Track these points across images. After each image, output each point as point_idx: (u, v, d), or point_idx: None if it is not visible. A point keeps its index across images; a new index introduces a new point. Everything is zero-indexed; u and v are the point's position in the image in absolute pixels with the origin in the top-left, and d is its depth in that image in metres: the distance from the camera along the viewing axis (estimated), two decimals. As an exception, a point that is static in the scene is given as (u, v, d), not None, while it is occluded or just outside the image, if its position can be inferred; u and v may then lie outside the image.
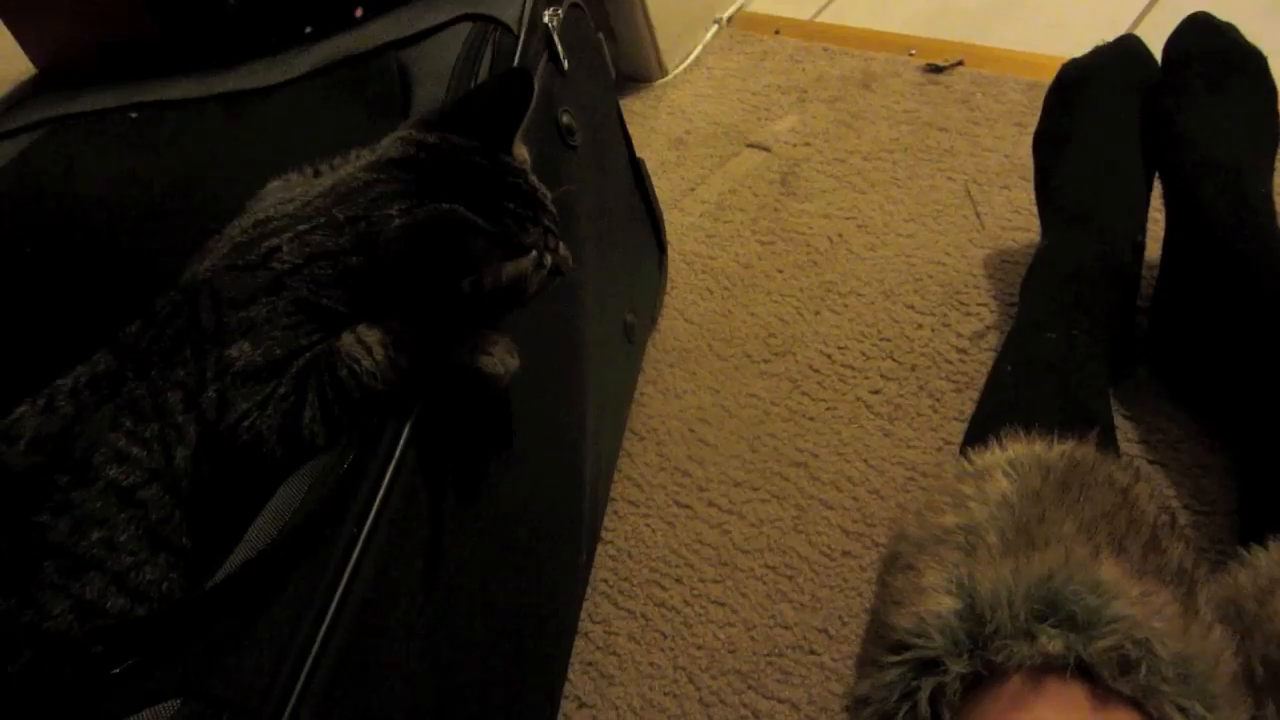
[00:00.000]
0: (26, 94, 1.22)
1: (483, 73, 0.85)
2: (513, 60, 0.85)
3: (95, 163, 0.98)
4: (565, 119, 0.92)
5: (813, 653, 0.83)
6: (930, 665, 0.54)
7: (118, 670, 0.57)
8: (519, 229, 0.65)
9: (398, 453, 0.64)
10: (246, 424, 0.61)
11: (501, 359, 0.66)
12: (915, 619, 0.56)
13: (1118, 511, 0.60)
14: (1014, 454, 0.65)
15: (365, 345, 0.62)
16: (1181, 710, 0.51)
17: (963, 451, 0.70)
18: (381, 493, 0.62)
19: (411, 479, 0.64)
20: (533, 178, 0.68)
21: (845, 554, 0.89)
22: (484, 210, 0.62)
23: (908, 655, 0.55)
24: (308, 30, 1.05)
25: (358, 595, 0.58)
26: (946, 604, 0.56)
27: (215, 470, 0.62)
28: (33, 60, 1.32)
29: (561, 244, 0.70)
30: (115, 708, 0.53)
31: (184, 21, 1.13)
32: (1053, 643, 0.52)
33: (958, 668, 0.53)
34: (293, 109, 0.95)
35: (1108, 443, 0.70)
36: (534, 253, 0.65)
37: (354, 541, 0.60)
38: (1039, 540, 0.57)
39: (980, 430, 0.75)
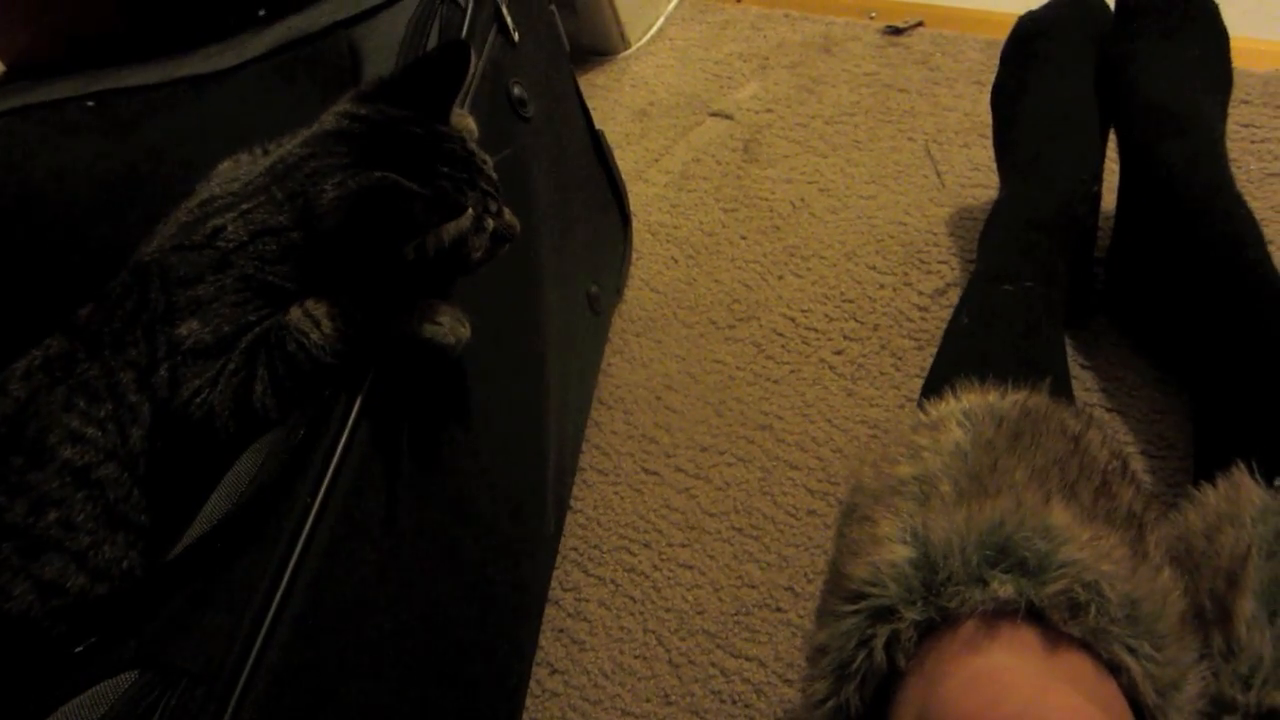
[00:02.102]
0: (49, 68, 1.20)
1: (430, 46, 0.84)
2: (460, 33, 0.85)
3: (53, 151, 0.97)
4: (517, 91, 0.92)
5: (779, 610, 0.84)
6: (885, 613, 0.55)
7: (80, 649, 0.58)
8: (455, 192, 0.64)
9: (350, 423, 0.64)
10: (199, 400, 0.60)
11: (452, 328, 0.66)
12: (871, 568, 0.57)
13: (1069, 458, 0.61)
14: (968, 404, 0.66)
15: (313, 318, 0.62)
16: (1130, 650, 0.52)
17: (919, 404, 0.70)
18: (335, 463, 0.62)
19: (365, 450, 0.64)
20: (471, 144, 0.68)
21: (810, 513, 0.89)
22: (418, 176, 0.62)
23: (863, 604, 0.56)
24: (261, 13, 1.05)
25: (312, 564, 0.58)
26: (901, 553, 0.56)
27: (170, 447, 0.62)
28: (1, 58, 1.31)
29: (506, 209, 0.69)
30: (75, 683, 0.53)
31: (151, 11, 1.13)
32: (1004, 588, 0.52)
33: (912, 615, 0.54)
34: (247, 92, 0.95)
35: (1061, 391, 0.71)
36: (470, 211, 0.65)
37: (308, 511, 0.61)
38: (991, 488, 0.58)
39: (937, 382, 0.76)
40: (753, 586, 0.86)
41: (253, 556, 0.58)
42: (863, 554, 0.59)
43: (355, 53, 0.90)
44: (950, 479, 0.60)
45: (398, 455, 0.68)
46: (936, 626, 0.54)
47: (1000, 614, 0.53)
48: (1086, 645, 0.52)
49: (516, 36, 0.94)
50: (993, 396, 0.66)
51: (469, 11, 0.88)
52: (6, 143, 0.98)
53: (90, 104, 0.99)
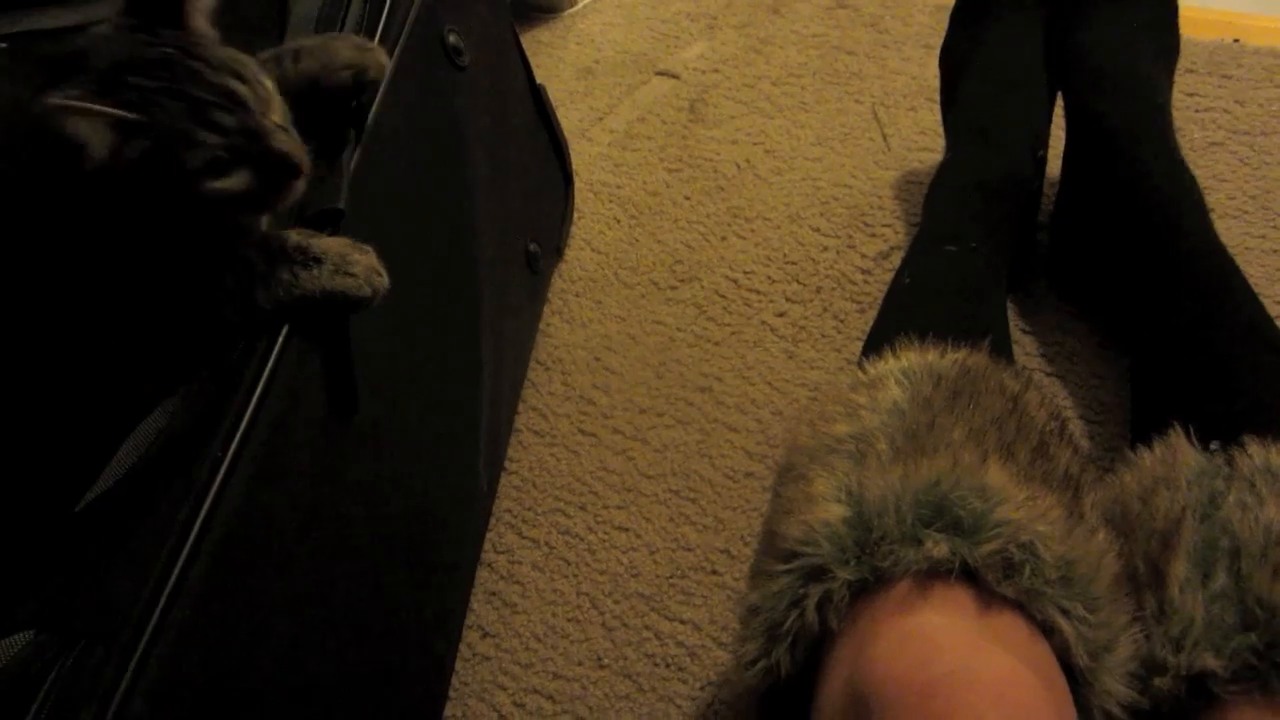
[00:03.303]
0: None
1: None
2: (393, -27, 0.81)
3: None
4: (452, 39, 0.89)
5: (714, 573, 0.82)
6: (818, 573, 0.54)
7: (-29, 609, 0.55)
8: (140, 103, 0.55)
9: (265, 373, 0.61)
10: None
11: (367, 279, 0.63)
12: (804, 527, 0.55)
13: (1007, 418, 0.60)
14: (907, 363, 0.65)
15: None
16: (1064, 612, 0.51)
17: (859, 363, 0.69)
18: (248, 416, 0.59)
19: (282, 402, 0.61)
20: (199, 49, 0.59)
21: (748, 475, 0.88)
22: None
23: (796, 564, 0.55)
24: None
25: (222, 521, 0.55)
26: (835, 512, 0.55)
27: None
28: None
29: (281, 132, 0.60)
30: (-36, 645, 0.50)
31: None
32: (938, 547, 0.51)
33: (845, 574, 0.53)
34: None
35: (1002, 352, 0.70)
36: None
37: (218, 465, 0.58)
38: (928, 447, 0.56)
39: (877, 341, 0.75)
40: (689, 549, 0.85)
41: (160, 512, 0.56)
42: (797, 513, 0.57)
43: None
44: (887, 437, 0.58)
45: (316, 408, 0.65)
46: (869, 586, 0.53)
47: (934, 574, 0.52)
48: (1020, 606, 0.51)
49: (453, -19, 0.91)
50: (932, 355, 0.65)
51: (404, -46, 0.85)
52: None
53: (2, 45, 0.94)
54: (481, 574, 0.88)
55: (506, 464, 0.96)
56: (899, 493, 0.54)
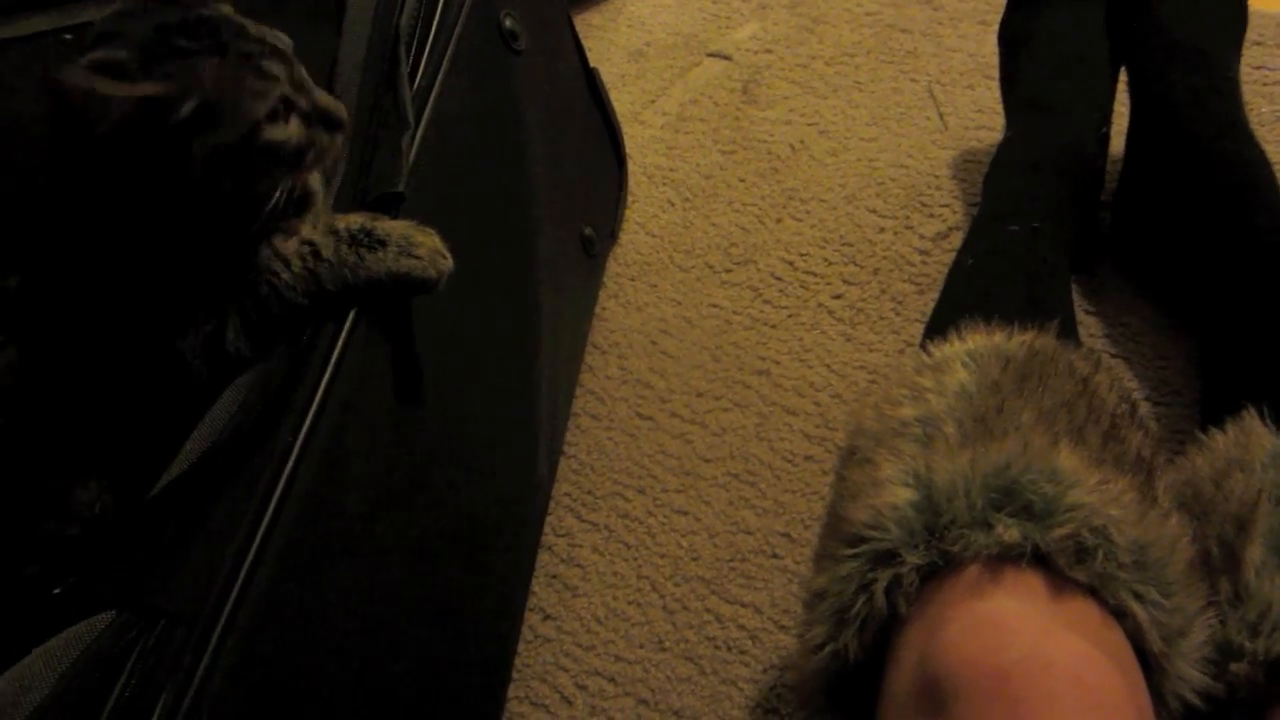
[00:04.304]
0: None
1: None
2: (450, -41, 0.82)
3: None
4: (508, 23, 0.89)
5: (775, 556, 0.82)
6: (886, 557, 0.53)
7: (57, 590, 0.56)
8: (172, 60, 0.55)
9: (333, 361, 0.62)
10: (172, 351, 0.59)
11: (432, 260, 0.63)
12: (871, 511, 0.55)
13: (1077, 400, 0.59)
14: (973, 345, 0.64)
15: (283, 258, 0.59)
16: (1137, 597, 0.51)
17: (922, 345, 0.68)
18: (317, 401, 0.60)
19: (349, 388, 0.62)
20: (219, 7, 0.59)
21: (807, 459, 0.88)
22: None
23: (864, 548, 0.54)
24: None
25: (295, 501, 0.56)
26: (903, 495, 0.55)
27: (144, 393, 0.60)
28: None
29: (315, 90, 0.61)
30: (49, 625, 0.51)
31: None
32: (1009, 532, 0.51)
33: (914, 559, 0.52)
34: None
35: (1068, 333, 0.69)
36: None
37: (289, 450, 0.59)
38: (997, 430, 0.56)
39: (940, 323, 0.74)
40: (749, 533, 0.85)
41: (233, 496, 0.57)
42: (863, 497, 0.57)
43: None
44: (955, 420, 0.58)
45: (383, 393, 0.66)
46: (939, 571, 0.52)
47: (1004, 558, 0.51)
48: (1092, 591, 0.50)
49: (508, -34, 0.91)
50: (998, 337, 0.64)
51: (459, -60, 0.85)
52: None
53: (68, 37, 0.95)
54: (542, 557, 0.89)
55: (565, 448, 0.96)
56: (968, 476, 0.53)
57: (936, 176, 1.06)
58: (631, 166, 1.22)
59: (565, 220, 1.01)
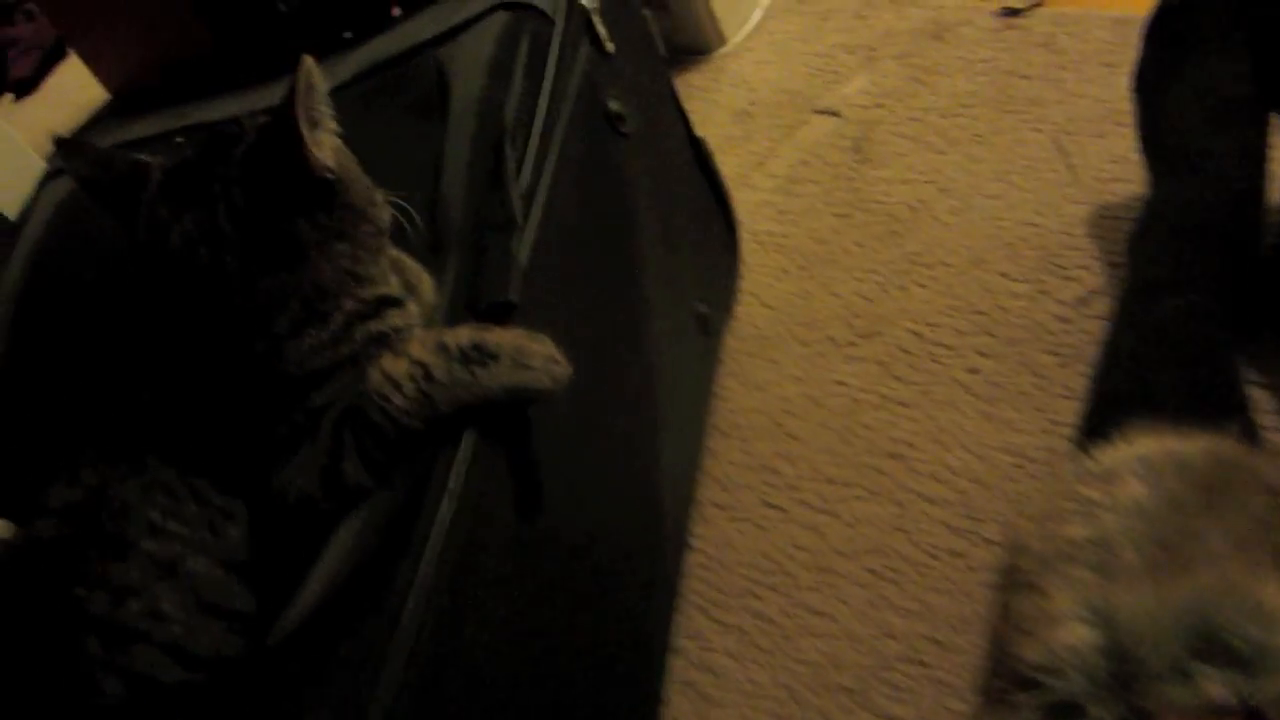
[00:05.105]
0: (103, 117, 1.23)
1: (520, 63, 0.79)
2: (549, 48, 0.80)
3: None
4: (613, 105, 0.86)
5: (924, 665, 0.77)
6: (1068, 710, 0.48)
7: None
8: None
9: (451, 483, 0.59)
10: (292, 489, 0.57)
11: (546, 369, 0.61)
12: (1046, 651, 0.50)
13: (1274, 517, 0.53)
14: (1144, 450, 0.58)
15: (394, 381, 0.58)
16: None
17: (1081, 443, 0.63)
18: (435, 530, 0.58)
19: (470, 512, 0.60)
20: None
21: (952, 553, 0.82)
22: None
23: (1040, 696, 0.49)
24: (347, 35, 1.01)
25: (421, 642, 0.54)
26: (1082, 635, 0.49)
27: (268, 534, 0.59)
28: (104, 85, 1.38)
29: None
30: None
31: (238, 31, 1.13)
32: (1213, 685, 0.45)
33: (1101, 713, 0.47)
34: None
35: (1246, 428, 0.63)
36: None
37: (409, 586, 0.57)
38: (1186, 558, 0.50)
39: (1099, 416, 0.68)
40: (893, 637, 0.79)
41: (356, 637, 0.55)
42: (1034, 632, 0.52)
43: (442, 74, 0.85)
44: (1134, 544, 0.52)
45: (502, 511, 0.64)
46: (1131, 728, 0.47)
47: (1208, 713, 0.46)
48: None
49: (610, 47, 0.88)
50: (1172, 441, 0.58)
51: (558, 24, 0.83)
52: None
53: (179, 140, 0.96)
54: (672, 661, 0.85)
55: (690, 540, 0.93)
56: (1157, 615, 0.48)
57: (1070, 235, 1.00)
58: (742, 233, 1.19)
59: (679, 300, 0.98)
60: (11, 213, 1.02)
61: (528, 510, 0.67)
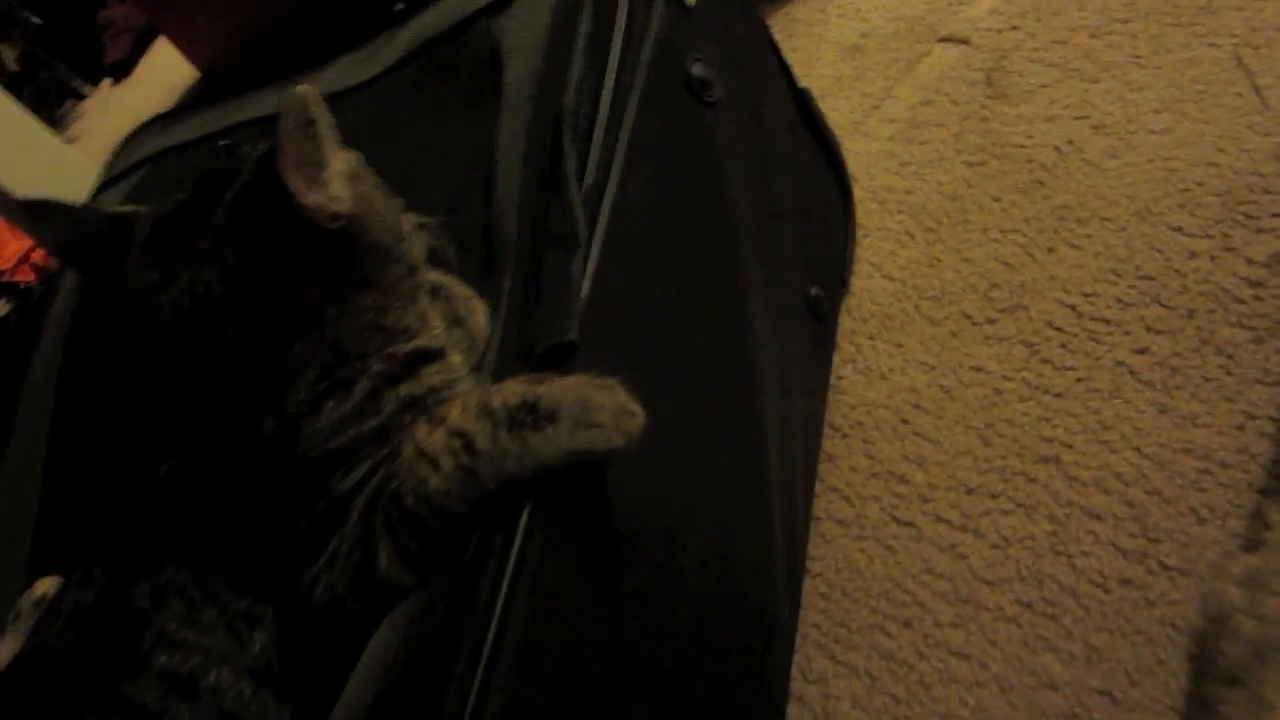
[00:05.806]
0: (194, 96, 1.21)
1: (581, 33, 0.67)
2: (615, 13, 0.67)
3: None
4: (697, 69, 0.74)
5: (1095, 728, 0.64)
6: None
7: None
8: None
9: (508, 575, 0.49)
10: (319, 590, 0.48)
11: (616, 424, 0.49)
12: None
13: None
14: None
15: (430, 457, 0.47)
16: None
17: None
18: (492, 633, 0.48)
19: (531, 608, 0.50)
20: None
21: (1124, 582, 0.68)
22: None
23: None
24: (399, 6, 0.91)
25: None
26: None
27: (299, 639, 0.50)
28: (194, 64, 1.40)
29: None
30: None
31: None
32: None
33: None
34: (382, 107, 0.82)
35: None
36: None
37: (467, 693, 0.47)
38: None
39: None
40: (1053, 688, 0.66)
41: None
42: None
43: (495, 51, 0.74)
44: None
45: (574, 601, 0.53)
46: None
47: None
48: None
49: (690, 0, 0.76)
50: None
51: (628, -17, 0.71)
52: (143, 199, 0.90)
53: (224, 143, 0.89)
54: (792, 709, 0.74)
55: (809, 563, 0.81)
56: None
57: (1261, 175, 0.82)
58: (857, 191, 1.05)
59: (786, 284, 0.85)
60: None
61: (604, 591, 0.56)
